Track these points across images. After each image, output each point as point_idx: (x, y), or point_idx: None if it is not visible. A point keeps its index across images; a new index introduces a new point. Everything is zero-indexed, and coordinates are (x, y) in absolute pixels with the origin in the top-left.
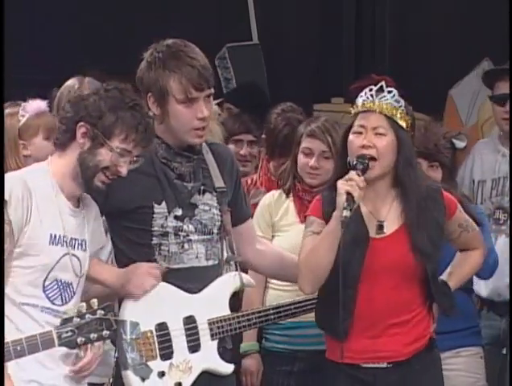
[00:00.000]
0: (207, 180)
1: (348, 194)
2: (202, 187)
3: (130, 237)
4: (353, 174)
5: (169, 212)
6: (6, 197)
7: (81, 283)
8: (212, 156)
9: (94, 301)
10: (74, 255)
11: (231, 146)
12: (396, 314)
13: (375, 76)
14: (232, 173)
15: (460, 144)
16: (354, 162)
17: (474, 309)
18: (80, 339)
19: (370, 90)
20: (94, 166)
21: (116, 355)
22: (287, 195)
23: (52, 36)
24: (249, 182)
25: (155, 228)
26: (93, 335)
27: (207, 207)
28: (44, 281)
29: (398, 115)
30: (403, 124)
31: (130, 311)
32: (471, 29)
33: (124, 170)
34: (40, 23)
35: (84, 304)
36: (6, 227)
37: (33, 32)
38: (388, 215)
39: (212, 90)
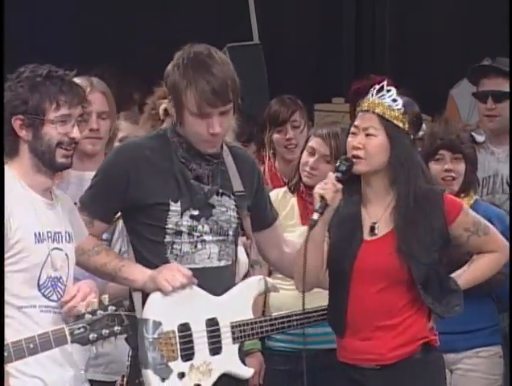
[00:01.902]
0: (225, 183)
1: (322, 197)
2: (220, 190)
3: (144, 234)
4: (330, 176)
5: (183, 211)
6: None
7: (71, 275)
8: (233, 159)
9: (105, 297)
10: (59, 249)
11: None
12: (384, 317)
13: (373, 76)
14: (253, 177)
15: (479, 138)
16: (338, 164)
17: (494, 307)
18: (92, 336)
19: (374, 89)
20: (47, 146)
21: (130, 353)
22: (292, 193)
23: (52, 36)
24: None
25: (169, 226)
26: (105, 331)
27: (224, 209)
28: (38, 280)
29: (392, 114)
30: (399, 123)
31: (154, 310)
32: (471, 29)
33: (76, 134)
34: (40, 23)
35: (95, 301)
36: None
37: (33, 32)
38: (382, 217)
39: (230, 105)
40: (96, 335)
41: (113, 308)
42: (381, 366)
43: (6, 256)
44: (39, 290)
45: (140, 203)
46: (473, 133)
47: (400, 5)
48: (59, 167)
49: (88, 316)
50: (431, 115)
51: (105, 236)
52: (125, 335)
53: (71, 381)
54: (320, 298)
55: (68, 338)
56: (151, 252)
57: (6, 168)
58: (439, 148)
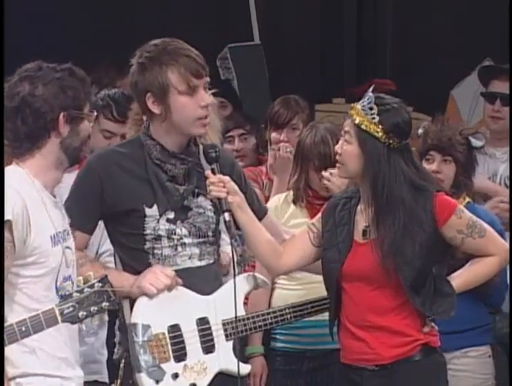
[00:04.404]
0: (201, 183)
1: (219, 199)
2: (196, 190)
3: (124, 242)
4: (208, 173)
5: (161, 215)
6: (9, 216)
7: (75, 269)
8: None
9: (90, 275)
10: (69, 247)
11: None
12: (377, 318)
13: (377, 81)
14: (233, 178)
15: (476, 143)
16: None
17: (484, 307)
18: (81, 313)
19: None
20: (81, 142)
21: (121, 355)
22: (295, 204)
23: (52, 36)
24: (261, 173)
25: (148, 232)
26: (94, 308)
27: (201, 210)
28: (56, 282)
29: (367, 124)
30: (373, 132)
31: (142, 313)
32: (471, 29)
33: (91, 130)
34: (40, 23)
35: (81, 278)
36: (8, 245)
37: (33, 32)
38: (373, 221)
39: (208, 78)
40: (85, 313)
41: (100, 285)
42: (379, 366)
43: (26, 261)
44: (57, 293)
45: (115, 211)
46: (471, 138)
47: (401, 5)
48: (78, 162)
49: (75, 294)
50: (431, 115)
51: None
52: (112, 309)
53: (82, 380)
54: (317, 292)
55: (59, 317)
56: (135, 259)
57: (17, 166)
58: (429, 148)
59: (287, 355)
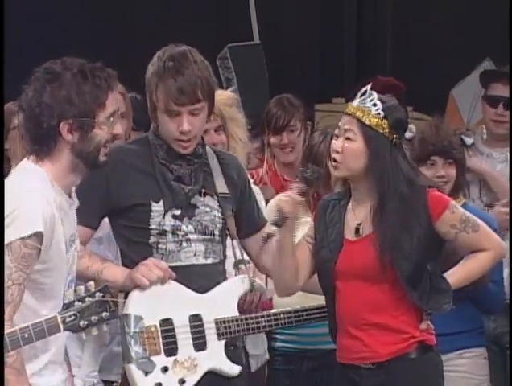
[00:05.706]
0: (208, 184)
1: (281, 210)
2: (203, 190)
3: (129, 236)
4: (294, 187)
5: (166, 211)
6: (41, 228)
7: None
8: (219, 163)
9: (91, 284)
10: (75, 249)
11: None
12: (373, 315)
13: (381, 78)
14: (238, 183)
15: (469, 141)
16: (306, 173)
17: (477, 310)
18: (82, 323)
19: (359, 93)
20: (96, 147)
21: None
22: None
23: (51, 36)
24: (255, 176)
25: (153, 226)
26: (94, 318)
27: (208, 209)
28: (64, 289)
29: (371, 119)
30: (378, 128)
31: (134, 305)
32: (471, 29)
33: (119, 130)
34: (40, 23)
35: (82, 287)
36: (33, 253)
37: (33, 32)
38: (367, 218)
39: (200, 105)
40: (86, 322)
41: (101, 294)
42: (376, 364)
43: (43, 266)
44: (64, 299)
45: (121, 206)
46: (463, 136)
47: (401, 5)
48: (101, 166)
49: (77, 303)
50: (430, 115)
51: (101, 233)
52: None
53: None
54: (316, 299)
55: (61, 326)
56: (138, 253)
57: (38, 168)
58: (430, 154)
59: (287, 355)
